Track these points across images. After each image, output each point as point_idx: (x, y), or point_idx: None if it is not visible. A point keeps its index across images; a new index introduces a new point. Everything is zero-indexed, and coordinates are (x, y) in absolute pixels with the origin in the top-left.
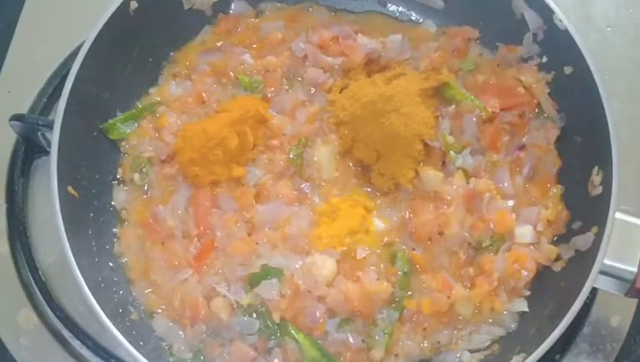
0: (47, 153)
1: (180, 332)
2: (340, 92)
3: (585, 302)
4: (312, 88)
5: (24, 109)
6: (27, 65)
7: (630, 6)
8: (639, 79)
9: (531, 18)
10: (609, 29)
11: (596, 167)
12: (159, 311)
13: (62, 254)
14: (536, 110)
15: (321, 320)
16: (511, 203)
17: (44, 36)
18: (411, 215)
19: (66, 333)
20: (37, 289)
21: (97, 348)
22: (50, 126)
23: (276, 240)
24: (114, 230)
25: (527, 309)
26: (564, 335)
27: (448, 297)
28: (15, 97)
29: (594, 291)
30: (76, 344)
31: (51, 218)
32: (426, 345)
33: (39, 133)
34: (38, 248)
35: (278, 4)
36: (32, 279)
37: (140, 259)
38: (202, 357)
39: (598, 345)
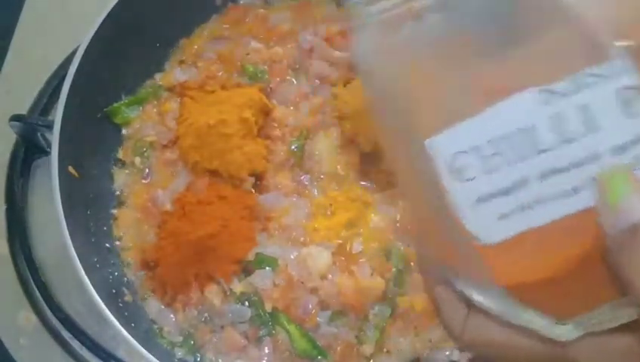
0: (47, 154)
1: (172, 316)
2: (345, 86)
3: None
4: (316, 81)
5: (24, 109)
6: (27, 65)
7: None
8: None
9: None
10: None
11: None
12: (152, 293)
13: (60, 238)
14: None
15: (312, 312)
16: None
17: (44, 36)
18: (408, 212)
19: (65, 334)
20: (37, 290)
21: (97, 349)
22: (50, 126)
23: (272, 229)
24: (112, 211)
25: None
26: None
27: None
28: (15, 97)
29: None
30: (76, 344)
31: (50, 203)
32: (417, 342)
33: (39, 134)
34: (38, 249)
35: None
36: (31, 280)
37: (136, 241)
38: (192, 342)
39: None
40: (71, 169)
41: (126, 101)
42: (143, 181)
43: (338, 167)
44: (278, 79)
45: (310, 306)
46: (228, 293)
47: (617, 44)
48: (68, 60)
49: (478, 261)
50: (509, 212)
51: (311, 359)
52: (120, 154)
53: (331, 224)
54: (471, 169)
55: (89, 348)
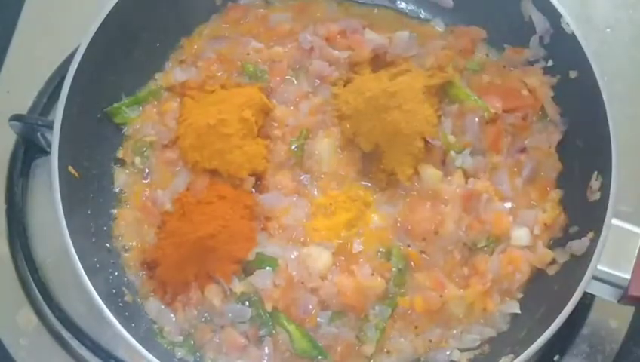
0: (47, 153)
1: (172, 316)
2: (345, 86)
3: (584, 303)
4: (316, 80)
5: (24, 109)
6: (27, 65)
7: (629, 7)
8: (638, 80)
9: (539, 21)
10: (608, 30)
11: (595, 173)
12: (152, 293)
13: (60, 238)
14: (540, 113)
15: (313, 312)
16: (509, 205)
17: (44, 36)
18: (408, 212)
19: (65, 334)
20: (36, 290)
21: (97, 349)
22: (50, 126)
23: (272, 229)
24: (112, 211)
25: (519, 311)
26: (563, 336)
27: (441, 296)
28: (15, 97)
29: None
30: (75, 344)
31: (50, 203)
32: (417, 342)
33: (39, 134)
34: (38, 248)
35: None
36: (31, 279)
37: (136, 241)
38: (192, 342)
39: (597, 346)
40: (71, 169)
41: (126, 101)
42: (143, 181)
43: (338, 167)
44: (278, 79)
45: (310, 306)
46: (228, 293)
47: None
48: (68, 60)
49: None
50: None
51: (311, 359)
52: (120, 154)
53: (331, 224)
54: None
55: (89, 348)
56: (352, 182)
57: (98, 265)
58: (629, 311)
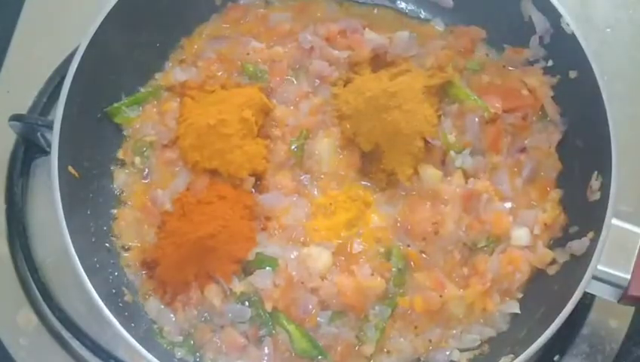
0: (47, 153)
1: (172, 316)
2: (345, 86)
3: (584, 303)
4: (316, 80)
5: (24, 109)
6: (27, 65)
7: (630, 7)
8: (638, 80)
9: (539, 21)
10: (608, 29)
11: (595, 173)
12: (152, 293)
13: (60, 238)
14: (540, 113)
15: (312, 312)
16: (509, 205)
17: (44, 36)
18: (408, 212)
19: (65, 334)
20: (36, 290)
21: (97, 349)
22: (49, 126)
23: (272, 229)
24: (112, 211)
25: (518, 311)
26: (563, 336)
27: (441, 296)
28: (15, 97)
29: None
30: (75, 344)
31: (50, 203)
32: (417, 342)
33: (39, 133)
34: (38, 248)
35: None
36: (31, 279)
37: (136, 241)
38: (192, 342)
39: (597, 345)
40: (71, 169)
41: (126, 101)
42: (143, 181)
43: (338, 167)
44: (278, 79)
45: (310, 306)
46: (228, 293)
47: None
48: (68, 60)
49: None
50: None
51: (311, 359)
52: (120, 154)
53: (331, 224)
54: None
55: (89, 348)
56: (352, 182)
57: (98, 265)
58: (629, 311)
